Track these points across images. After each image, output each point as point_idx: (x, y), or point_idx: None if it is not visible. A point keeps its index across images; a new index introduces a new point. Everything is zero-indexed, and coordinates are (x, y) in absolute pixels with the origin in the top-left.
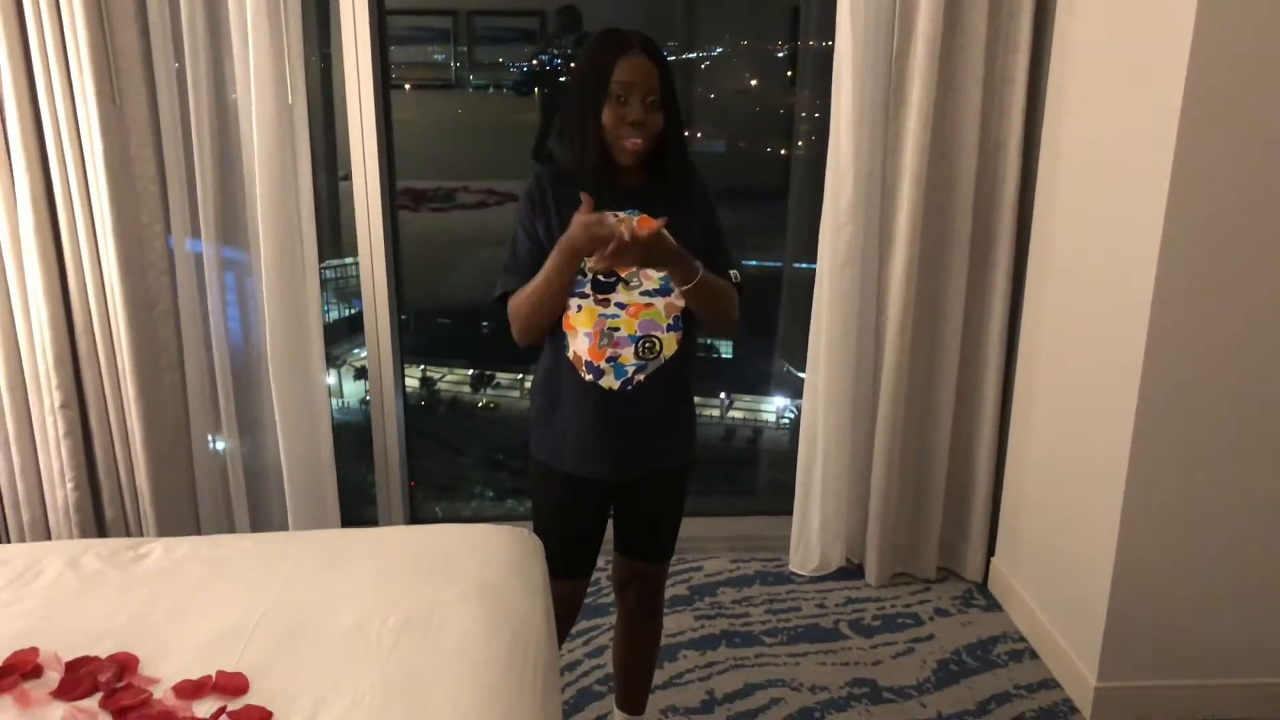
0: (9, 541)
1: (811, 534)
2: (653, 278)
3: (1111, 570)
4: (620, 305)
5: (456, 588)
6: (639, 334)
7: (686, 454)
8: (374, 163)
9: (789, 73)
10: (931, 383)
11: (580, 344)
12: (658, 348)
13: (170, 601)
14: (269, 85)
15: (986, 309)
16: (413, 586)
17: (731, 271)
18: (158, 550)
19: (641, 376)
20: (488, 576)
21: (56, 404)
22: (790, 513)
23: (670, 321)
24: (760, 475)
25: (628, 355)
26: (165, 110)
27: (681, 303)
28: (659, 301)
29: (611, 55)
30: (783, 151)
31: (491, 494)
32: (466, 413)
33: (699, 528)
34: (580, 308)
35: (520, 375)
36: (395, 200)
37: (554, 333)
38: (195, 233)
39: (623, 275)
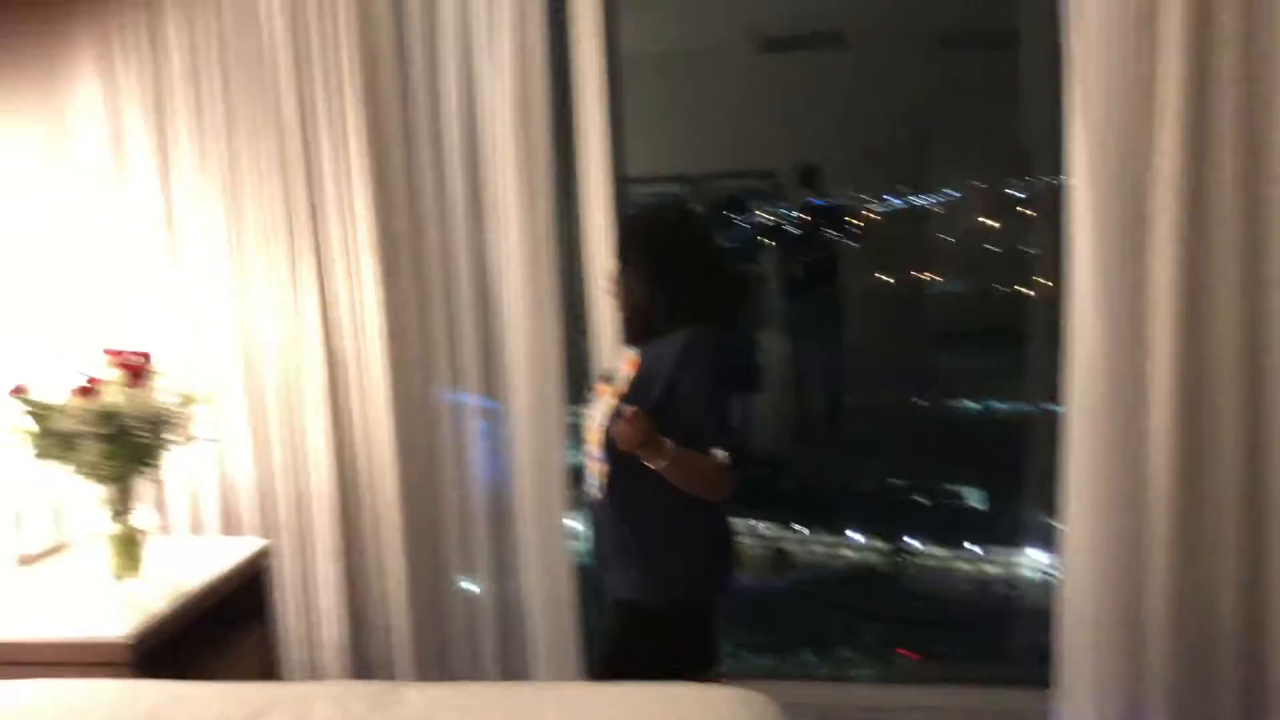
0: (280, 678)
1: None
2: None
3: None
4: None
5: None
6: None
7: (639, 590)
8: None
9: (1030, 212)
10: (1210, 546)
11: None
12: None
13: None
14: (525, 255)
15: (1270, 461)
16: None
17: (715, 451)
18: (413, 695)
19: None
20: None
21: (334, 549)
22: (1047, 684)
23: (600, 454)
24: (1013, 639)
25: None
26: (434, 283)
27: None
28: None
29: None
30: (1032, 293)
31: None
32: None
33: (932, 697)
34: None
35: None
36: None
37: None
38: (456, 386)
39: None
